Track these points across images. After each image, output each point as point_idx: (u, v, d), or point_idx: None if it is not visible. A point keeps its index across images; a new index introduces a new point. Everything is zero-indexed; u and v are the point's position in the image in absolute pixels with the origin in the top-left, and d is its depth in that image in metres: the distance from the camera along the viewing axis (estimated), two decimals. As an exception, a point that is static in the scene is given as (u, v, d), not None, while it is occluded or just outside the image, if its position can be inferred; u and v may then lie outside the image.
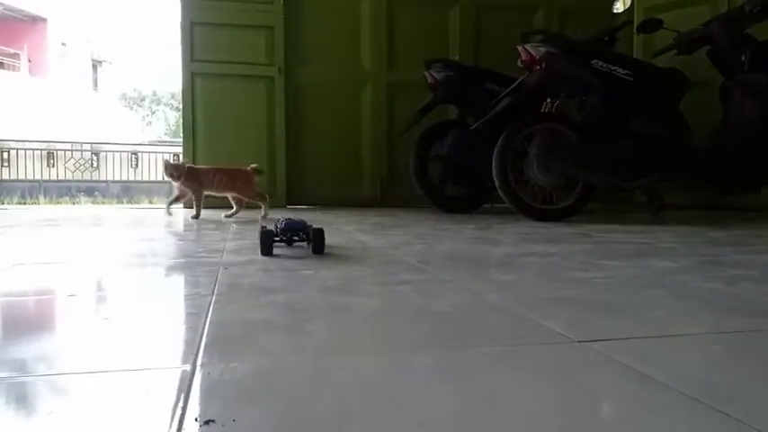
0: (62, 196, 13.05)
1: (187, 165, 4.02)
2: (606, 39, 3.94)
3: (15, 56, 21.51)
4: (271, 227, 2.19)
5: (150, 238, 2.81)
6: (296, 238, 2.17)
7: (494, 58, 4.92)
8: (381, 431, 0.66)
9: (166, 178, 3.91)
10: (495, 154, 3.52)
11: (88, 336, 1.09)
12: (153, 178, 14.87)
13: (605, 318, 1.20)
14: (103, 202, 12.61)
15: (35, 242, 2.62)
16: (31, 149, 13.94)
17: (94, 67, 26.99)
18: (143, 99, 40.19)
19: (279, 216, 2.46)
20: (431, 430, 0.67)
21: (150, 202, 13.44)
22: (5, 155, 13.50)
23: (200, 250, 2.28)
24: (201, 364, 0.88)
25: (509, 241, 2.65)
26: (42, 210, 5.42)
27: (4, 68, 20.48)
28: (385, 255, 2.17)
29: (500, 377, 0.85)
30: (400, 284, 1.57)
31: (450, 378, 0.84)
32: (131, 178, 14.82)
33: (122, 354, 0.97)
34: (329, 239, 2.22)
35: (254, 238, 2.54)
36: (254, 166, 4.04)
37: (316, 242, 2.10)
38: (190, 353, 0.94)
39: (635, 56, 5.06)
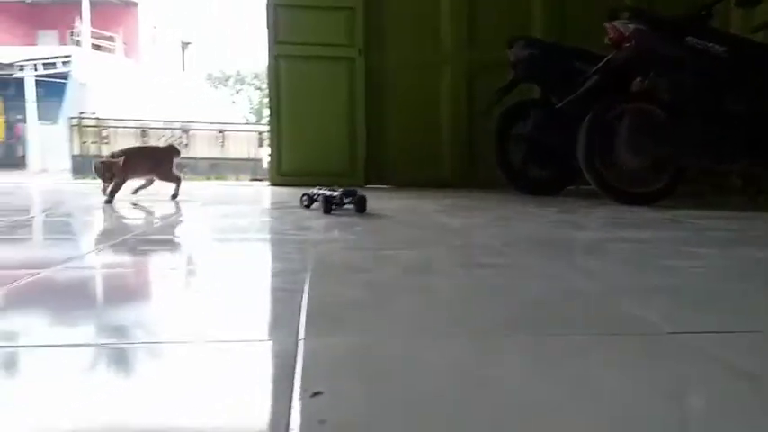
0: (154, 172, 13.81)
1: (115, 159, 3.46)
2: (703, 13, 3.72)
3: (111, 39, 22.76)
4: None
5: (241, 215, 2.96)
6: (346, 200, 2.85)
7: (579, 35, 4.75)
8: (473, 413, 0.70)
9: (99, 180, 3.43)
10: (580, 134, 3.44)
11: (193, 308, 1.19)
12: (239, 156, 15.47)
13: (699, 309, 1.18)
14: (193, 179, 13.25)
15: (136, 217, 2.82)
16: (126, 128, 14.84)
17: (182, 48, 28.14)
18: (227, 79, 41.59)
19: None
20: (520, 415, 0.70)
21: (236, 179, 14.00)
22: (104, 133, 14.46)
23: (288, 227, 2.38)
24: (303, 339, 0.94)
25: (594, 226, 2.59)
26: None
27: (101, 51, 21.72)
28: (465, 236, 2.19)
29: (590, 365, 0.86)
30: (483, 268, 1.59)
31: (540, 364, 0.86)
32: (218, 156, 15.48)
33: (231, 326, 1.05)
34: (408, 219, 2.26)
35: (344, 217, 2.63)
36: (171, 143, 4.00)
37: (359, 205, 2.82)
38: (291, 327, 1.01)
39: (732, 32, 4.74)
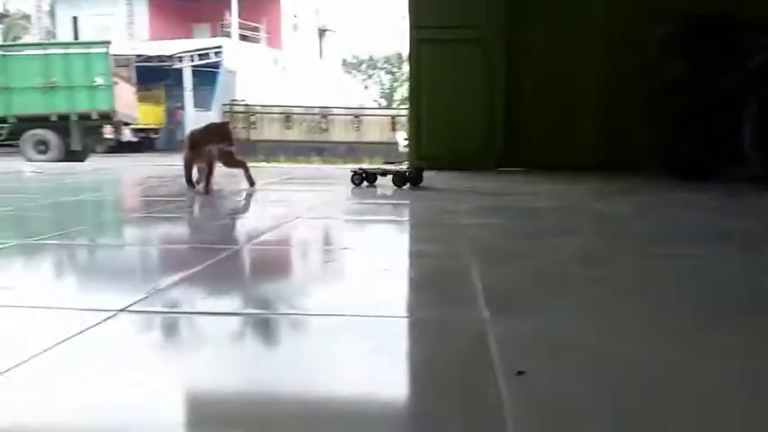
0: (297, 155, 14.61)
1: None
2: None
3: (256, 29, 24.18)
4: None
5: (386, 197, 3.07)
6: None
7: (737, 7, 4.30)
8: (673, 412, 0.70)
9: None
10: (747, 114, 3.14)
11: (376, 288, 1.27)
12: (373, 139, 15.89)
13: None
14: (331, 162, 13.85)
15: (297, 198, 3.02)
16: (272, 114, 15.82)
17: (320, 36, 29.22)
18: (360, 64, 42.68)
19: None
20: (724, 421, 0.69)
21: (370, 162, 14.40)
22: (252, 118, 15.52)
23: (435, 211, 2.43)
24: (488, 320, 0.98)
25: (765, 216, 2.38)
26: (287, 168, 6.16)
27: (248, 41, 23.18)
28: (623, 223, 2.11)
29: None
30: (655, 258, 1.53)
31: (744, 363, 0.84)
32: (355, 140, 16.03)
33: (415, 304, 1.11)
34: (557, 204, 2.22)
35: (489, 199, 2.64)
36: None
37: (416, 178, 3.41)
38: (473, 308, 1.05)
39: None
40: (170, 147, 18.97)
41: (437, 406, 0.69)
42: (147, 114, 16.49)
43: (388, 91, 42.85)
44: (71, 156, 11.37)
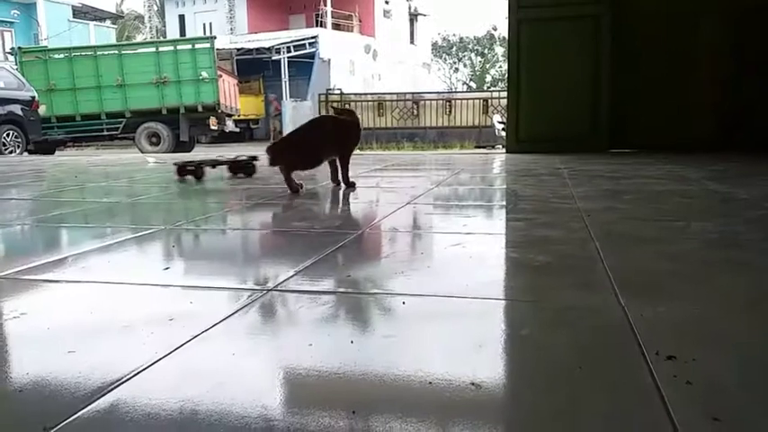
0: (389, 142, 14.74)
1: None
2: None
3: (349, 18, 24.50)
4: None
5: (491, 181, 3.05)
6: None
7: None
8: None
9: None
10: None
11: (500, 271, 1.28)
12: (464, 124, 15.73)
13: None
14: (422, 147, 13.86)
15: (402, 183, 3.06)
16: (365, 101, 16.04)
17: (411, 21, 29.14)
18: (451, 47, 42.21)
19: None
20: None
21: (461, 147, 14.28)
22: (346, 106, 15.82)
23: (549, 195, 2.39)
24: (626, 305, 0.97)
25: None
26: (385, 155, 6.24)
27: (341, 29, 23.54)
28: (757, 208, 1.98)
29: None
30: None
31: None
32: (445, 124, 15.93)
33: (549, 290, 1.11)
34: (678, 187, 2.11)
35: (604, 182, 2.55)
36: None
37: (249, 168, 3.36)
38: (607, 293, 1.04)
39: None
40: (267, 136, 19.74)
41: (587, 391, 0.69)
42: (248, 105, 17.22)
43: (478, 73, 42.16)
44: (180, 146, 12.12)
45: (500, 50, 38.95)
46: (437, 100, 16.57)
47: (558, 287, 1.12)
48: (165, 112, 12.23)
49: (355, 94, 16.54)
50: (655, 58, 5.01)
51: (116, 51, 12.82)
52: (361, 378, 0.74)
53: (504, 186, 2.90)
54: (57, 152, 11.39)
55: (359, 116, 3.00)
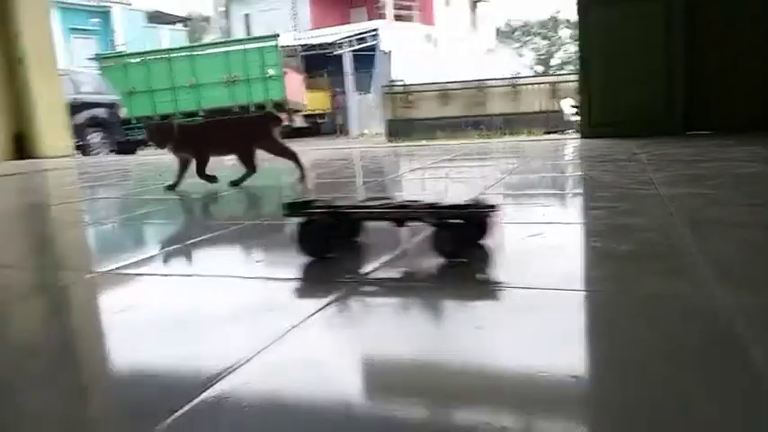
0: (454, 131, 14.63)
1: (177, 123, 2.89)
2: None
3: (409, 8, 24.43)
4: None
5: (561, 168, 2.98)
6: None
7: None
8: None
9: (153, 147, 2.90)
10: None
11: (584, 260, 1.26)
12: (531, 110, 15.40)
13: None
14: (488, 135, 13.67)
15: (472, 173, 3.05)
16: (429, 92, 15.97)
17: (472, 7, 28.72)
18: (514, 31, 41.33)
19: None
20: None
21: (528, 134, 13.99)
22: (410, 98, 15.81)
23: (629, 181, 2.32)
24: (722, 295, 0.94)
25: None
26: (451, 145, 6.21)
27: (401, 20, 23.51)
28: None
29: None
30: None
31: None
32: (511, 111, 15.63)
33: (639, 279, 1.09)
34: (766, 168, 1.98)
35: (693, 169, 2.46)
36: (269, 111, 3.26)
37: None
38: (703, 283, 1.01)
39: None
40: (332, 130, 20.02)
41: (690, 385, 0.68)
42: (314, 101, 17.51)
43: (543, 57, 41.12)
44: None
45: (565, 33, 37.87)
46: (502, 86, 16.28)
47: (646, 274, 1.09)
48: (236, 110, 12.64)
49: (419, 84, 16.49)
50: (732, 36, 4.75)
51: (188, 53, 13.34)
52: (460, 369, 0.75)
53: (581, 173, 2.83)
54: (137, 152, 12.00)
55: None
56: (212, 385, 0.71)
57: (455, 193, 2.36)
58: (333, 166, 4.06)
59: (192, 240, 1.67)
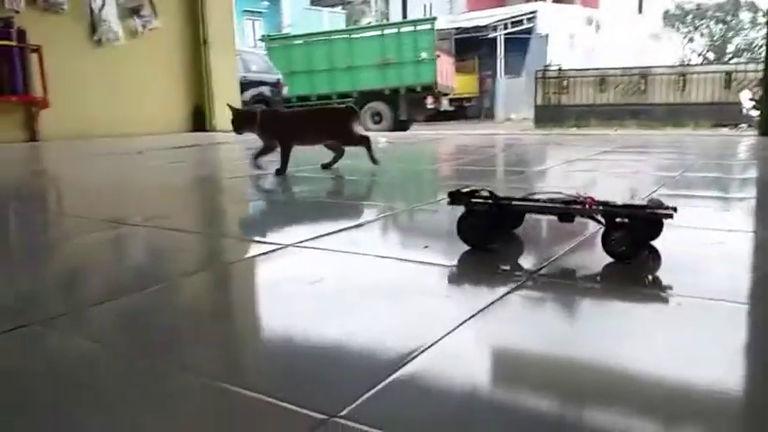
0: (610, 119, 13.81)
1: (260, 110, 3.04)
2: None
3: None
4: None
5: (741, 169, 2.74)
6: None
7: None
8: None
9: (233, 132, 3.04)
10: None
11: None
12: (699, 100, 14.10)
13: None
14: (648, 126, 12.75)
15: (632, 167, 2.90)
16: (585, 77, 15.21)
17: (640, -12, 26.71)
18: (686, 15, 37.80)
19: None
20: None
21: (695, 126, 12.83)
22: (564, 83, 15.17)
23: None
24: None
25: None
26: (613, 135, 5.89)
27: (562, 2, 22.47)
28: None
29: None
30: None
31: None
32: (677, 101, 14.41)
33: None
34: None
35: None
36: (350, 105, 3.29)
37: None
38: None
39: None
40: (479, 114, 19.80)
41: None
42: (463, 84, 17.40)
43: (718, 43, 37.18)
44: (398, 125, 12.76)
45: (746, 16, 33.90)
46: (669, 74, 15.03)
47: None
48: (387, 92, 12.95)
49: (575, 69, 15.72)
50: None
51: (346, 36, 13.86)
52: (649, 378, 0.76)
53: (759, 176, 2.59)
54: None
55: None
56: (411, 360, 0.79)
57: (621, 191, 2.28)
58: (484, 153, 4.06)
59: (361, 221, 1.79)
